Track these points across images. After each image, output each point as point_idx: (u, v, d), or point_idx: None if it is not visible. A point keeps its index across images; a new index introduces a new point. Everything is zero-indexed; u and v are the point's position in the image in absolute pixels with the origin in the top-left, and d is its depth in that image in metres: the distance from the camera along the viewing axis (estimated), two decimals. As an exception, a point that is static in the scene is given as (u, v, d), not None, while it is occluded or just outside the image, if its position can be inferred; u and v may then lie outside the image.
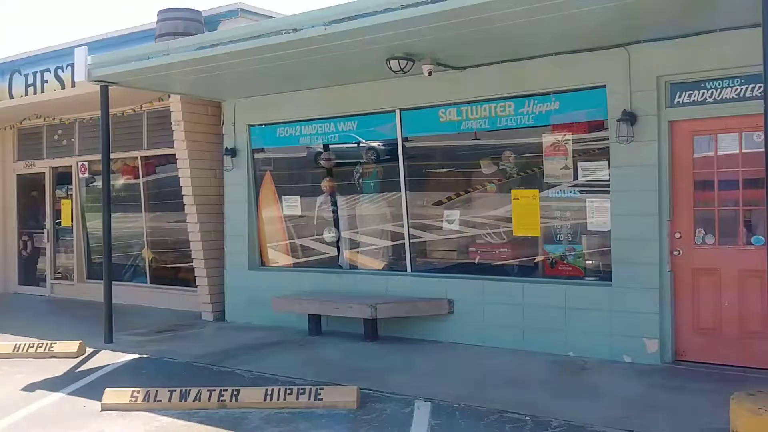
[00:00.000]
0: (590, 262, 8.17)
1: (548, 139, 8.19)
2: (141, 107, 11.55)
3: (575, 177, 8.03)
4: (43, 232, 14.02)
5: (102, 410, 6.17)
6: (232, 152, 10.54)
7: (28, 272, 14.53)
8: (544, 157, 8.24)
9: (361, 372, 7.40)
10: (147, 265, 12.48)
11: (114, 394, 6.28)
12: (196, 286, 10.92)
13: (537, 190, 8.29)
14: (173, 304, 11.81)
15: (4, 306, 12.95)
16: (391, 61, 7.99)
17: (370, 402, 6.29)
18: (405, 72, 8.11)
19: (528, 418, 5.67)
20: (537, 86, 8.08)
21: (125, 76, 8.81)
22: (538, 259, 8.49)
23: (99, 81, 8.95)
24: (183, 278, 11.93)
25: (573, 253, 8.16)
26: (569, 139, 8.05)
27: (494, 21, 6.47)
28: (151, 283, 12.39)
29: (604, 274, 7.87)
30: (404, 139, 9.37)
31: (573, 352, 7.76)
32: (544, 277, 8.30)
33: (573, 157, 8.03)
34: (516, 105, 8.31)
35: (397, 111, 9.31)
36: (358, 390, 6.27)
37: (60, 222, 13.79)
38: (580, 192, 8.05)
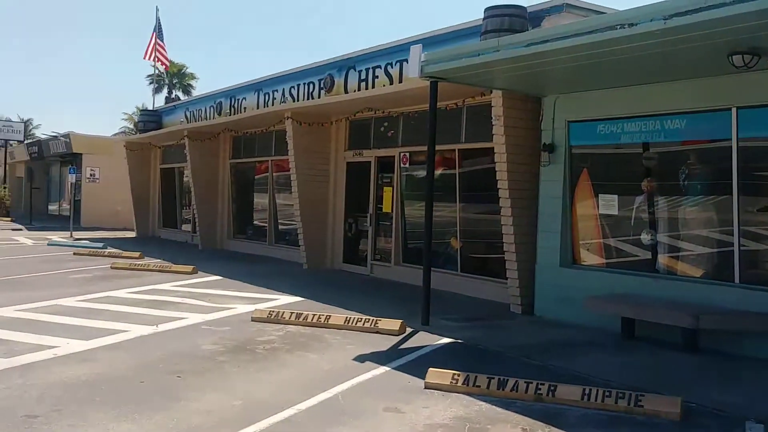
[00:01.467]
0: None
1: None
2: (463, 102, 12.00)
3: None
4: (366, 217, 15.27)
5: (425, 388, 6.56)
6: (550, 148, 10.51)
7: (351, 252, 15.95)
8: None
9: (680, 383, 7.02)
10: (458, 253, 12.98)
11: (436, 375, 6.64)
12: (506, 278, 11.10)
13: None
14: (481, 293, 12.16)
15: (333, 281, 14.34)
16: (733, 56, 7.37)
17: (693, 416, 5.94)
18: (749, 68, 7.42)
19: None
20: None
21: (454, 72, 9.20)
22: None
23: (430, 77, 9.44)
24: (492, 269, 12.22)
25: None
26: None
27: None
28: (461, 271, 12.86)
29: None
30: (740, 139, 8.56)
31: None
32: None
33: None
34: None
35: (734, 109, 8.57)
36: (681, 401, 5.92)
37: (381, 208, 14.89)
38: None
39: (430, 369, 6.76)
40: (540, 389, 6.22)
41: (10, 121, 41.02)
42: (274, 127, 17.48)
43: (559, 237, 10.46)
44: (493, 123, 10.78)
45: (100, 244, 20.35)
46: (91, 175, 31.87)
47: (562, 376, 7.08)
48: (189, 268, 14.68)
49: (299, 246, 16.32)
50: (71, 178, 25.57)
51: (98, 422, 5.52)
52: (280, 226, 19.07)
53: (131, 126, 77.58)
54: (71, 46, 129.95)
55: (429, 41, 12.12)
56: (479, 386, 6.40)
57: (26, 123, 50.32)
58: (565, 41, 7.56)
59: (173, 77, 69.44)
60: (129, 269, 15.16)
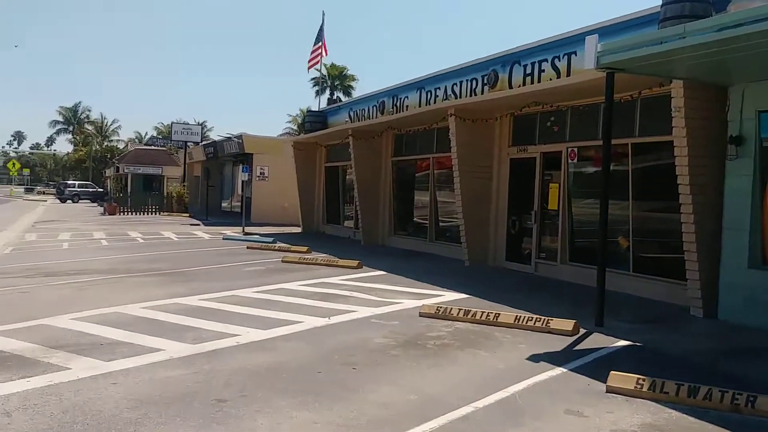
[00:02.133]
0: None
1: None
2: (639, 93, 11.40)
3: None
4: (530, 214, 14.92)
5: (607, 392, 6.26)
6: (738, 140, 9.75)
7: (514, 250, 15.66)
8: None
9: None
10: (629, 252, 12.36)
11: (619, 378, 6.32)
12: (685, 279, 10.42)
13: None
14: (654, 295, 11.52)
15: (496, 278, 14.14)
16: None
17: None
18: None
19: None
20: None
21: (633, 62, 8.73)
22: None
23: (606, 68, 9.02)
24: (667, 269, 11.52)
25: None
26: None
27: None
28: (633, 271, 12.24)
29: None
30: None
31: None
32: None
33: None
34: None
35: None
36: None
37: (546, 205, 14.49)
38: None
39: (612, 372, 6.44)
40: (737, 399, 5.75)
41: (188, 124, 43.99)
42: (436, 125, 17.51)
43: (747, 235, 9.67)
44: (673, 115, 10.14)
45: (270, 239, 21.35)
46: (261, 173, 33.49)
47: (757, 386, 6.51)
48: (354, 262, 15.02)
49: (461, 243, 16.25)
50: (243, 176, 27.02)
51: (281, 409, 5.72)
52: (441, 223, 19.09)
53: (295, 127, 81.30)
54: (241, 54, 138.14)
55: (601, 32, 11.60)
56: (667, 392, 6.01)
57: (201, 125, 53.80)
58: (763, 24, 6.94)
59: (335, 79, 71.84)
60: (298, 263, 15.77)
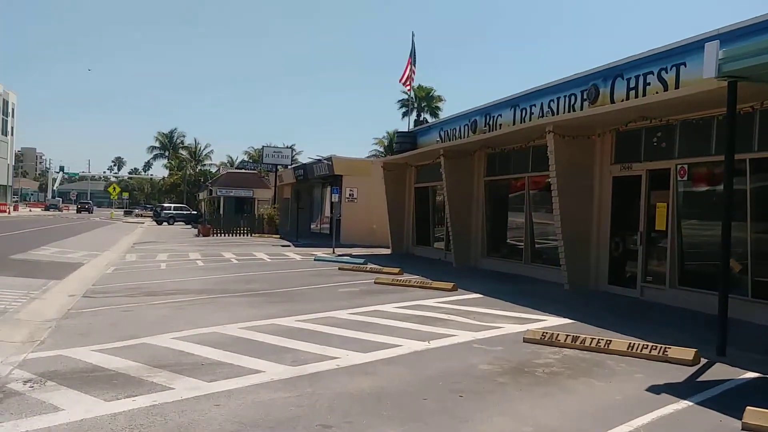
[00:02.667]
0: None
1: None
2: (762, 104, 10.63)
3: None
4: (635, 235, 14.18)
5: (742, 429, 5.67)
6: None
7: (617, 273, 14.92)
8: None
9: None
10: (749, 276, 11.50)
11: (756, 415, 5.72)
12: (816, 306, 9.57)
13: None
14: (779, 323, 10.65)
15: (599, 303, 13.48)
16: None
17: None
18: None
19: None
20: None
21: (761, 69, 8.08)
22: None
23: (728, 76, 8.40)
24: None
25: None
26: None
27: None
28: (752, 296, 11.38)
29: None
30: None
31: None
32: None
33: None
34: None
35: None
36: None
37: (653, 225, 13.72)
38: None
39: (748, 408, 5.83)
40: None
41: (279, 147, 44.86)
42: (533, 142, 17.03)
43: None
44: (801, 127, 9.38)
45: (361, 260, 21.22)
46: (350, 194, 33.78)
47: None
48: (449, 285, 14.65)
49: (559, 265, 15.64)
50: (334, 197, 27.11)
51: (390, 438, 5.42)
52: (537, 245, 18.48)
53: (381, 149, 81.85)
54: (327, 79, 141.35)
55: (715, 40, 10.93)
56: (815, 433, 5.37)
57: (291, 148, 54.67)
58: None
59: (421, 101, 72.00)
60: (391, 284, 15.52)
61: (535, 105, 18.44)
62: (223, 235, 39.70)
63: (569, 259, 15.28)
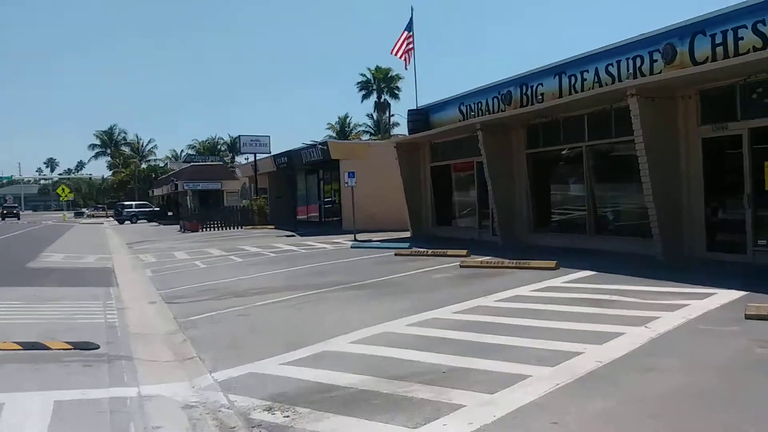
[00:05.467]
0: None
1: None
2: None
3: None
4: (736, 198, 13.62)
5: None
6: None
7: (716, 239, 14.36)
8: None
9: None
10: None
11: None
12: None
13: None
14: None
15: (733, 270, 12.86)
16: None
17: None
18: None
19: None
20: None
21: None
22: None
23: None
24: None
25: None
26: None
27: None
28: None
29: None
30: None
31: None
32: None
33: None
34: None
35: None
36: None
37: (763, 186, 13.17)
38: None
39: None
40: None
41: (256, 136, 43.22)
42: (586, 111, 16.40)
43: None
44: None
45: (406, 244, 20.31)
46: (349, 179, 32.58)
47: None
48: (551, 263, 13.81)
49: (630, 235, 15.28)
50: (350, 182, 25.92)
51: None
52: (599, 215, 17.89)
53: (334, 134, 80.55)
54: (266, 70, 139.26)
55: None
56: None
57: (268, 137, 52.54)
58: None
59: (380, 82, 70.90)
60: (481, 267, 14.66)
61: (587, 71, 17.71)
62: (214, 229, 37.92)
63: (662, 228, 14.64)
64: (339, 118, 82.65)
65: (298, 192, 42.06)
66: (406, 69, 29.31)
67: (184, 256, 21.75)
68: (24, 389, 6.62)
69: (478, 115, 22.40)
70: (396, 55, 28.86)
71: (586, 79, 17.79)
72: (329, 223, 35.56)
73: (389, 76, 71.45)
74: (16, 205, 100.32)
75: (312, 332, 8.89)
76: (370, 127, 78.13)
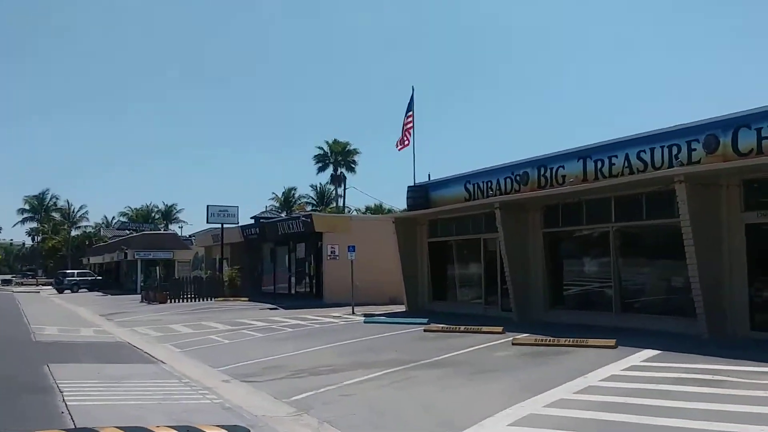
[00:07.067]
0: None
1: None
2: None
3: None
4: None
5: None
6: None
7: (761, 318, 14.86)
8: None
9: None
10: None
11: None
12: None
13: None
14: None
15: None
16: None
17: None
18: None
19: None
20: None
21: None
22: None
23: None
24: None
25: None
26: None
27: None
28: None
29: None
30: None
31: None
32: None
33: None
34: None
35: None
36: None
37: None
38: None
39: None
40: None
41: (224, 206, 42.54)
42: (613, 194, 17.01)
43: None
44: None
45: (424, 320, 20.15)
46: (331, 252, 32.38)
47: None
48: (610, 342, 13.88)
49: (658, 314, 15.94)
50: (350, 255, 25.65)
51: None
52: (626, 293, 18.28)
53: (278, 204, 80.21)
54: (206, 136, 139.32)
55: None
56: None
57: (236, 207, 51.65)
58: None
59: (338, 155, 71.39)
60: (537, 345, 14.58)
61: (616, 156, 18.32)
62: (180, 300, 36.57)
63: (707, 307, 15.05)
64: (285, 188, 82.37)
65: (263, 264, 41.32)
66: (398, 150, 28.57)
67: (187, 330, 20.88)
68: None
69: (487, 195, 22.77)
70: (399, 149, 28.25)
71: (614, 164, 18.36)
72: (301, 295, 35.00)
73: (347, 150, 72.13)
74: None
75: (451, 414, 8.62)
76: (312, 198, 78.18)
